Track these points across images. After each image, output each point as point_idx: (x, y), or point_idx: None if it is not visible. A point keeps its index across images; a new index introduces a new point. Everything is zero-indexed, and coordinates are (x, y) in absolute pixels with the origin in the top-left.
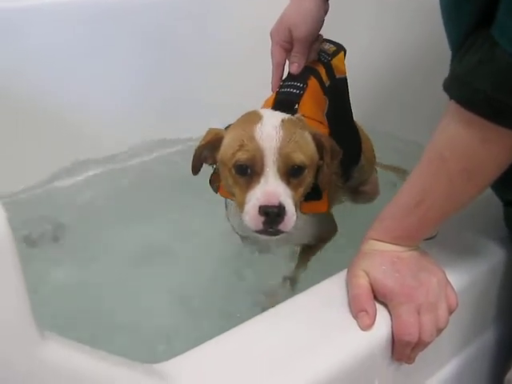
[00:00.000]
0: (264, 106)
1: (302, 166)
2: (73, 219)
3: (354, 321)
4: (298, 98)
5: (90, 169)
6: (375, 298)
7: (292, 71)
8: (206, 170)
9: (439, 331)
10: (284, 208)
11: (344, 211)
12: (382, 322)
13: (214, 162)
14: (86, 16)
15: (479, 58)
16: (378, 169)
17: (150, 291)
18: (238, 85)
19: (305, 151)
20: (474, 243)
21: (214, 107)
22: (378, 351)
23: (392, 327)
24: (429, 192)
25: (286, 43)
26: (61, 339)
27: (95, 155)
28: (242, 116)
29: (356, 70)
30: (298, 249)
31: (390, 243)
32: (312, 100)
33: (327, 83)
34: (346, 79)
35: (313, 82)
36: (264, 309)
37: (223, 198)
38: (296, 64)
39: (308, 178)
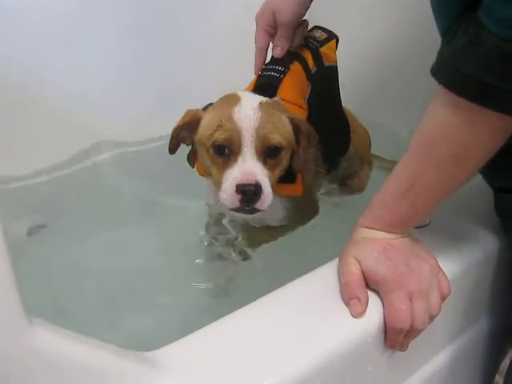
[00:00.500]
0: (246, 89)
1: (278, 147)
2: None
3: (347, 309)
4: (278, 82)
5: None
6: (367, 285)
7: (275, 55)
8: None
9: (432, 318)
10: (261, 187)
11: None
12: (375, 310)
13: (191, 142)
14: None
15: (466, 41)
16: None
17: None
18: (234, 81)
19: (282, 133)
20: (467, 231)
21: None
22: (371, 339)
23: (384, 314)
24: (418, 178)
25: (269, 27)
26: (50, 326)
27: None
28: (221, 98)
29: (349, 60)
30: None
31: (381, 230)
32: (293, 84)
33: (313, 69)
34: (336, 67)
35: (296, 67)
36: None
37: None
38: (279, 48)
39: (284, 159)
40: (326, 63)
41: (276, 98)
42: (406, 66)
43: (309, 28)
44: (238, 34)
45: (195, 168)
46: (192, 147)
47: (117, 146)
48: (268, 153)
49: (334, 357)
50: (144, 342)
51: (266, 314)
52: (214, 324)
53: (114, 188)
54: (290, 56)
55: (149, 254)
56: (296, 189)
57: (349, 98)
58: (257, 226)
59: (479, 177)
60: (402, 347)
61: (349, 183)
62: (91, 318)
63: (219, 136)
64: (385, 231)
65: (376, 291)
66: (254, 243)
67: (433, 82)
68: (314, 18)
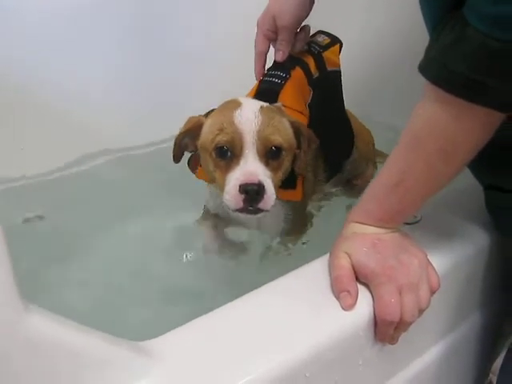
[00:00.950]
0: (248, 95)
1: (280, 148)
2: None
3: (337, 302)
4: (279, 88)
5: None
6: (357, 279)
7: (277, 59)
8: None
9: (421, 311)
10: (263, 187)
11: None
12: (365, 303)
13: (194, 148)
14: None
15: (453, 38)
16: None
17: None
18: (235, 82)
19: (283, 135)
20: (458, 228)
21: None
22: (362, 331)
23: (374, 307)
24: (407, 173)
25: (269, 32)
26: (46, 312)
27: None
28: (222, 104)
29: (350, 59)
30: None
31: (371, 225)
32: (294, 90)
33: (316, 74)
34: (340, 72)
35: (297, 72)
36: None
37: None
38: (281, 52)
39: (286, 162)
40: (329, 68)
41: (277, 104)
42: (406, 64)
43: (312, 33)
44: (239, 35)
45: (196, 174)
46: (192, 154)
47: (116, 146)
48: (270, 154)
49: (324, 348)
50: (137, 335)
51: (257, 306)
52: (206, 316)
53: (112, 188)
54: (292, 61)
55: (146, 252)
56: (296, 194)
57: (349, 95)
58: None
59: (470, 174)
60: (392, 340)
61: (354, 183)
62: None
63: (221, 139)
64: (375, 226)
65: (366, 285)
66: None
67: None
68: (313, 18)
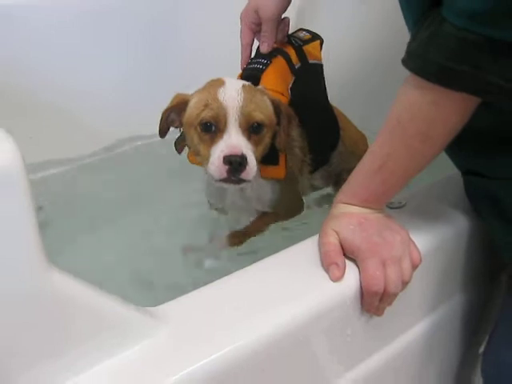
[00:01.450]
0: None
1: (261, 124)
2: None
3: (326, 275)
4: (261, 73)
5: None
6: (344, 255)
7: (262, 50)
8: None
9: (404, 284)
10: (246, 158)
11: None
12: (352, 276)
13: (180, 124)
14: (85, 12)
15: (430, 33)
16: None
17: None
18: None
19: (264, 111)
20: (439, 212)
21: None
22: (349, 301)
23: (360, 279)
24: (390, 155)
25: (253, 25)
26: (63, 272)
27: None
28: (207, 82)
29: (343, 63)
30: None
31: (358, 206)
32: (275, 74)
33: (297, 65)
34: (322, 66)
35: (279, 60)
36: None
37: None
38: (266, 43)
39: (267, 137)
40: (311, 60)
41: (259, 87)
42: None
43: (294, 30)
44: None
45: (187, 155)
46: (180, 134)
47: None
48: (252, 129)
49: (316, 315)
50: None
51: (254, 279)
52: (208, 286)
53: (113, 185)
54: (274, 51)
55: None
56: (279, 171)
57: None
58: (244, 212)
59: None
60: (378, 311)
61: (344, 178)
62: None
63: (206, 114)
64: (360, 206)
65: (353, 260)
66: (241, 238)
67: None
68: (302, 20)
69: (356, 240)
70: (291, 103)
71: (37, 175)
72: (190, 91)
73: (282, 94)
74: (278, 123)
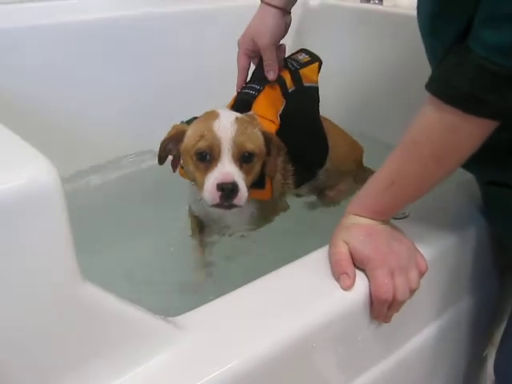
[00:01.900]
0: (228, 105)
1: (252, 154)
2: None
3: (337, 284)
4: (253, 98)
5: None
6: (354, 265)
7: (269, 78)
8: None
9: (412, 291)
10: (237, 186)
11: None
12: (361, 285)
13: (177, 153)
14: (81, 34)
15: (456, 62)
16: None
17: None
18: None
19: (255, 142)
20: (443, 219)
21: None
22: (359, 310)
23: (370, 288)
24: (402, 173)
25: (249, 51)
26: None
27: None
28: (202, 114)
29: (343, 75)
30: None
31: (367, 217)
32: (267, 101)
33: (291, 88)
34: (317, 88)
35: (272, 85)
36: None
37: None
38: (271, 71)
39: (257, 165)
40: (306, 83)
41: (250, 113)
42: (398, 82)
43: (295, 51)
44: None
45: (178, 172)
46: (174, 156)
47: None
48: (243, 158)
49: (327, 323)
50: None
51: (268, 289)
52: (226, 295)
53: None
54: None
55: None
56: (265, 193)
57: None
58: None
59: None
60: (386, 319)
61: (326, 194)
62: None
63: (202, 144)
64: (369, 218)
65: (362, 270)
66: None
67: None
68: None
69: (365, 250)
70: (280, 129)
71: None
72: (190, 108)
73: (272, 121)
74: (268, 153)
